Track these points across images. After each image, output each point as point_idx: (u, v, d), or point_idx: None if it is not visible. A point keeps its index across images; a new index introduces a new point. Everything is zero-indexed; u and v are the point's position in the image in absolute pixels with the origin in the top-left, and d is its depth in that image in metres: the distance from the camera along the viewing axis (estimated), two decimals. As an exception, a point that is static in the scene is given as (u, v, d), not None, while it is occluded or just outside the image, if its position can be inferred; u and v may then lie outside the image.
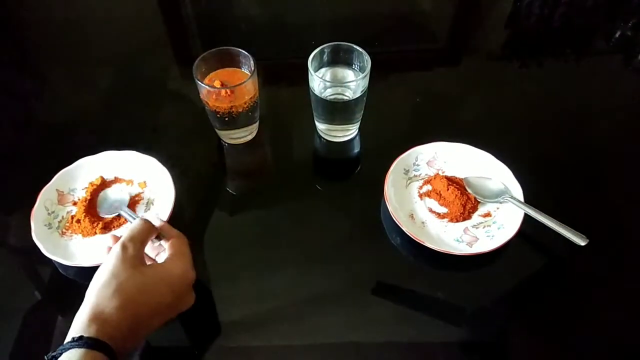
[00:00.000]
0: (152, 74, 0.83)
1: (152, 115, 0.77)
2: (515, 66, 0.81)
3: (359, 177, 0.70)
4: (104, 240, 0.59)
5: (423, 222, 0.60)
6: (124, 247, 0.45)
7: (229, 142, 0.71)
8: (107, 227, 0.61)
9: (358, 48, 0.64)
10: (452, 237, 0.59)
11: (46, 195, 0.62)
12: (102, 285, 0.42)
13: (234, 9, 0.98)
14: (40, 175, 0.64)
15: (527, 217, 0.57)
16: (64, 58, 0.88)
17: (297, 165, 0.71)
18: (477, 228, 0.60)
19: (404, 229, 0.57)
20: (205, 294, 0.56)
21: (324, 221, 0.63)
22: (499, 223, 0.59)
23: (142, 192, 0.65)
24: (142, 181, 0.66)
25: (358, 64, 0.65)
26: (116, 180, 0.66)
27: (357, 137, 0.72)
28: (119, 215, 0.61)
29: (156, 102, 0.79)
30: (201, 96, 0.65)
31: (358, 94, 0.63)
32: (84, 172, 0.66)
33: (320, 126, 0.69)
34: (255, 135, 0.72)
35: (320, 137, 0.71)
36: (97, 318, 0.41)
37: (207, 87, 0.62)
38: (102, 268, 0.44)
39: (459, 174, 0.65)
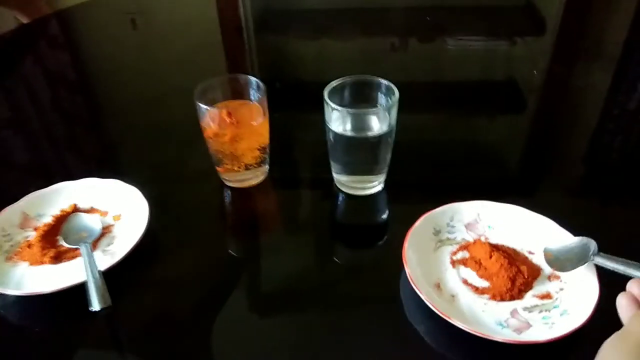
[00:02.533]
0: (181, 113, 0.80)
1: (159, 151, 0.73)
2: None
3: (379, 240, 0.60)
4: (51, 271, 0.52)
5: (453, 296, 0.47)
6: None
7: (231, 184, 0.64)
8: (59, 256, 0.54)
9: (383, 81, 0.57)
10: (493, 320, 0.44)
11: (9, 215, 0.57)
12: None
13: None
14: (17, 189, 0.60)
15: (605, 297, 0.42)
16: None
17: (308, 221, 0.62)
18: (530, 312, 0.45)
19: (423, 297, 0.44)
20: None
21: (335, 296, 0.52)
22: (562, 307, 0.45)
23: (113, 225, 0.58)
24: (117, 214, 0.59)
25: (384, 101, 0.58)
26: (91, 210, 0.60)
27: (383, 193, 0.62)
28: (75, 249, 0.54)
29: (171, 140, 0.76)
30: (202, 123, 0.60)
31: (384, 129, 0.54)
32: (60, 197, 0.61)
33: (340, 177, 0.61)
34: (262, 181, 0.64)
35: (338, 189, 0.62)
36: None
37: (208, 108, 0.57)
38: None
39: (509, 243, 0.53)
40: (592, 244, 0.45)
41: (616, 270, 0.42)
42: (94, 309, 0.47)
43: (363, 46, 0.79)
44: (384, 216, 0.62)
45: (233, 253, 0.59)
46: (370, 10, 1.12)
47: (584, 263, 0.45)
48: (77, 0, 1.17)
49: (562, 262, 0.47)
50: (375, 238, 0.60)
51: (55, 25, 1.15)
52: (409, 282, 0.46)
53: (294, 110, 0.79)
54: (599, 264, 0.44)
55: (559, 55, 0.90)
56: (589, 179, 0.66)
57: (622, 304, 0.37)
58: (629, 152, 0.69)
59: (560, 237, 0.50)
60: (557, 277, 0.48)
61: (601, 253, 0.45)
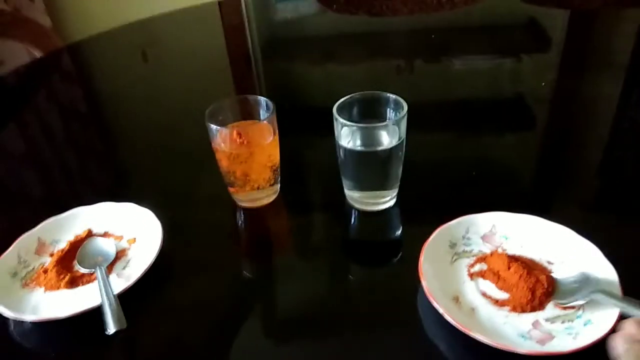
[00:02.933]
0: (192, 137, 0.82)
1: (173, 175, 0.75)
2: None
3: (394, 256, 0.60)
4: (67, 296, 0.53)
5: (473, 309, 0.46)
6: None
7: (243, 205, 0.65)
8: (74, 281, 0.55)
9: (392, 96, 0.58)
10: (515, 332, 0.44)
11: (25, 241, 0.58)
12: None
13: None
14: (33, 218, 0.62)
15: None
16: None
17: (322, 239, 0.63)
18: (552, 323, 0.44)
19: (441, 311, 0.43)
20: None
21: (351, 316, 0.52)
22: (585, 317, 0.44)
23: (128, 249, 0.58)
24: (131, 237, 0.60)
25: (393, 115, 0.59)
26: (106, 235, 0.61)
27: (396, 208, 0.62)
28: (90, 273, 0.55)
29: (184, 164, 0.77)
30: (213, 145, 0.61)
31: (394, 143, 0.55)
32: (75, 223, 0.62)
33: (352, 194, 0.61)
34: (274, 200, 0.65)
35: (351, 206, 0.63)
36: None
37: (218, 128, 0.59)
38: None
39: (527, 254, 0.52)
40: (593, 280, 0.45)
41: (617, 307, 0.42)
42: (109, 332, 0.47)
43: (369, 69, 0.80)
44: (398, 232, 0.62)
45: (247, 274, 0.59)
46: (374, 33, 1.15)
47: (583, 298, 0.44)
48: (89, 33, 1.22)
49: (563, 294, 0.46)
50: (390, 254, 0.60)
51: (67, 58, 1.19)
52: (426, 297, 0.46)
53: (303, 133, 0.80)
54: (598, 301, 0.43)
55: (565, 69, 0.91)
56: (603, 191, 0.66)
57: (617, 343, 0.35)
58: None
59: (581, 248, 0.49)
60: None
61: (602, 290, 0.44)
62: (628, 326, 0.38)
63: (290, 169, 0.69)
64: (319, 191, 0.70)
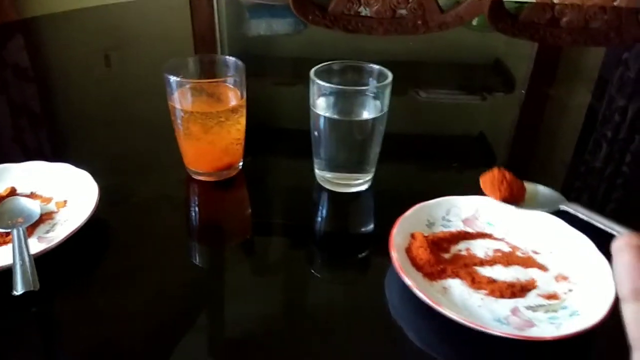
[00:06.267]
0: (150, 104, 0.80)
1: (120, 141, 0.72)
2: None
3: (363, 242, 0.57)
4: None
5: (445, 288, 0.44)
6: None
7: (198, 177, 0.62)
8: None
9: (375, 66, 0.57)
10: (490, 316, 0.41)
11: None
12: None
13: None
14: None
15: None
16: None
17: (287, 221, 0.60)
18: (534, 311, 0.42)
19: (409, 284, 0.41)
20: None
21: (318, 304, 0.49)
22: (571, 309, 0.42)
23: (56, 212, 0.55)
24: (62, 200, 0.56)
25: (375, 86, 0.58)
26: (32, 195, 0.58)
27: (369, 191, 0.60)
28: (8, 233, 0.51)
29: (135, 131, 0.75)
30: (170, 103, 0.58)
31: (376, 114, 0.53)
32: (0, 179, 0.58)
33: (323, 174, 0.59)
34: (235, 174, 0.62)
35: (321, 187, 0.61)
36: None
37: (178, 80, 0.56)
38: None
39: (512, 241, 0.51)
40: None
41: (589, 220, 0.43)
42: (16, 293, 0.44)
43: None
44: (372, 215, 0.60)
45: (194, 261, 0.55)
46: (347, 57, 1.17)
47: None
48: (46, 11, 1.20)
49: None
50: (362, 238, 0.57)
51: (21, 29, 1.17)
52: (396, 272, 0.43)
53: (273, 118, 0.80)
54: (570, 211, 0.45)
55: (527, 110, 0.94)
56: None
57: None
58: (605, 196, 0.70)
59: (567, 237, 0.48)
60: (565, 278, 0.46)
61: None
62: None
63: (256, 144, 0.67)
64: (286, 169, 0.68)
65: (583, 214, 0.47)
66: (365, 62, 0.58)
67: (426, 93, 1.01)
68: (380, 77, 0.57)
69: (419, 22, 1.42)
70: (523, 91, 0.93)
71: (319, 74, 0.55)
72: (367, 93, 0.57)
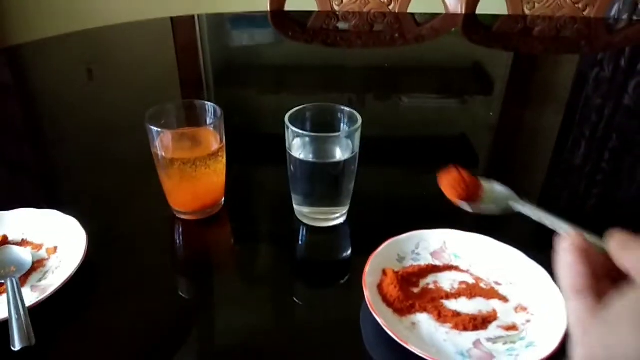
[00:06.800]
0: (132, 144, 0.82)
1: (104, 182, 0.75)
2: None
3: (342, 273, 0.61)
4: None
5: (414, 323, 0.48)
6: None
7: (182, 216, 0.65)
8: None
9: (345, 108, 0.61)
10: (454, 350, 0.45)
11: None
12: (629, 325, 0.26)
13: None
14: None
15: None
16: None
17: (268, 255, 0.65)
18: (494, 343, 0.47)
19: (381, 322, 0.45)
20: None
21: (296, 335, 0.53)
22: (528, 339, 0.46)
23: (47, 259, 0.58)
24: (52, 246, 0.59)
25: (347, 128, 0.62)
26: (23, 243, 0.60)
27: (346, 225, 0.64)
28: (2, 283, 0.54)
29: (119, 171, 0.77)
30: (152, 150, 0.62)
31: (347, 156, 0.58)
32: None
33: (301, 209, 0.63)
34: (218, 212, 0.66)
35: (299, 222, 0.65)
36: None
37: (159, 130, 0.59)
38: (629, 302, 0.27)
39: (476, 273, 0.55)
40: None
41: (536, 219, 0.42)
42: (15, 348, 0.46)
43: (321, 100, 0.87)
44: (348, 248, 0.64)
45: (182, 294, 0.58)
46: (328, 67, 1.22)
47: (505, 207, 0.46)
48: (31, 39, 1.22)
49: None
50: (339, 270, 0.61)
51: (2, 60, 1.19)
52: (368, 309, 0.47)
53: (252, 149, 0.83)
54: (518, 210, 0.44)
55: (506, 114, 1.00)
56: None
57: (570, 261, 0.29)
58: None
59: (527, 268, 0.52)
60: (524, 309, 0.50)
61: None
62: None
63: (237, 182, 0.70)
64: (266, 205, 0.72)
65: (531, 213, 0.45)
66: (336, 105, 0.62)
67: (408, 98, 1.05)
68: (351, 119, 0.61)
69: (396, 35, 1.46)
70: (491, 113, 0.97)
71: (292, 119, 0.59)
72: (338, 136, 0.60)
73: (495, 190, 0.50)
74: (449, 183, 0.48)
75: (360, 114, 0.60)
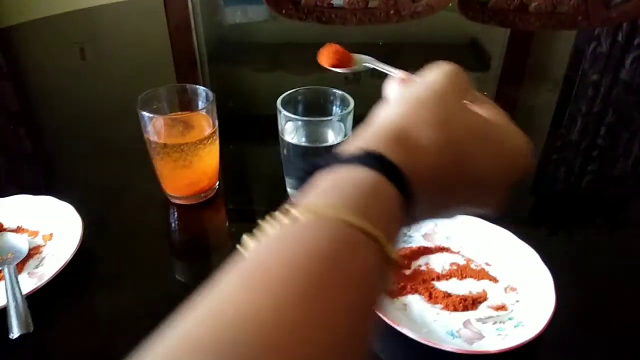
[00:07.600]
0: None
1: (99, 169, 0.75)
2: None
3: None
4: None
5: (405, 304, 0.49)
6: (457, 72, 0.35)
7: (177, 201, 0.66)
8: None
9: (338, 91, 0.61)
10: (444, 330, 0.47)
11: None
12: (420, 104, 0.31)
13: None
14: None
15: (561, 309, 0.46)
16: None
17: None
18: (484, 323, 0.48)
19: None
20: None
21: None
22: (517, 319, 0.48)
23: (43, 246, 0.59)
24: (48, 233, 0.60)
25: (339, 111, 0.62)
26: (19, 229, 0.61)
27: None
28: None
29: (113, 158, 0.77)
30: (145, 135, 0.62)
31: (340, 139, 0.58)
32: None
33: (295, 192, 0.63)
34: (211, 197, 0.67)
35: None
36: (403, 143, 0.28)
37: (151, 115, 0.60)
38: (423, 86, 0.33)
39: (467, 254, 0.56)
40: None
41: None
42: (13, 336, 0.47)
43: (318, 79, 0.87)
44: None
45: (179, 279, 0.60)
46: (323, 45, 1.20)
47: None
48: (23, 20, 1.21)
49: None
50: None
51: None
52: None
53: (246, 132, 0.82)
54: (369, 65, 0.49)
55: (502, 89, 1.00)
56: (539, 199, 0.72)
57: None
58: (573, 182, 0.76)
59: (517, 249, 0.54)
60: (514, 289, 0.52)
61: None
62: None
63: (231, 165, 0.71)
64: (261, 188, 0.72)
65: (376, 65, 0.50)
66: (329, 88, 0.62)
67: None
68: (343, 102, 0.61)
69: (391, 11, 1.45)
70: (485, 93, 0.97)
71: (284, 103, 0.59)
72: (330, 120, 0.61)
73: (363, 58, 0.55)
74: (323, 54, 0.54)
75: (355, 90, 0.60)
